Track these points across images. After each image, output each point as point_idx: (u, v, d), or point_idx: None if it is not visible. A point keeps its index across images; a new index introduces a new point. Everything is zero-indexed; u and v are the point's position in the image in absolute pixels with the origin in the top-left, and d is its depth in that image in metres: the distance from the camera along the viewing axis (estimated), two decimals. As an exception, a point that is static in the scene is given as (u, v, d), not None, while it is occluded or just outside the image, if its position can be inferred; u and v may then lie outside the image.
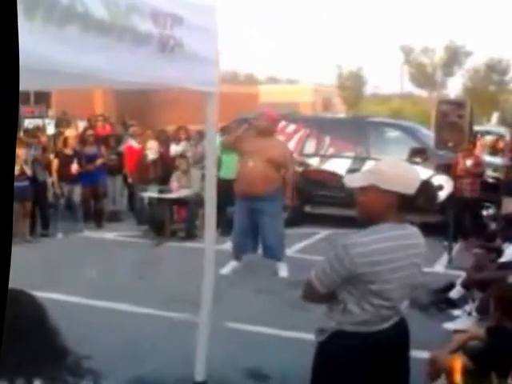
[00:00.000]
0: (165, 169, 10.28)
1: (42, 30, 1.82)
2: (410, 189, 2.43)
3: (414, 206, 2.47)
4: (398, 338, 2.63)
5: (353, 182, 2.61)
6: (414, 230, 2.63)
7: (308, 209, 10.39)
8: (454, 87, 48.69)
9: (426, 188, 2.53)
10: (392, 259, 2.43)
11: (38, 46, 1.80)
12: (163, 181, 9.81)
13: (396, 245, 2.46)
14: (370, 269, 2.39)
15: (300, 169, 9.98)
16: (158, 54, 2.44)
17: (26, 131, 10.55)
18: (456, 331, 4.49)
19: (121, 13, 2.16)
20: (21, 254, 8.27)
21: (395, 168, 2.53)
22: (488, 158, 10.74)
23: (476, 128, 18.03)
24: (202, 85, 2.96)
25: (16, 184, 8.59)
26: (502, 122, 29.00)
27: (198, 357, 3.35)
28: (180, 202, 9.36)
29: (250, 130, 7.14)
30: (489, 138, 15.77)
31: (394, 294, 2.49)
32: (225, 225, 9.21)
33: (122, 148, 11.10)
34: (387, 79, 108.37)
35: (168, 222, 9.26)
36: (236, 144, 7.14)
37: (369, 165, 7.83)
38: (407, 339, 2.72)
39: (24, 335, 1.63)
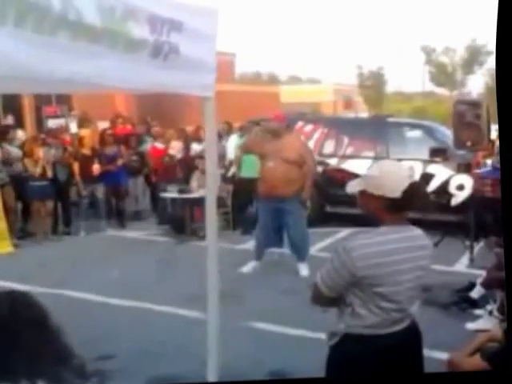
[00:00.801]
0: (186, 168, 10.38)
1: (31, 38, 1.82)
2: (395, 192, 2.42)
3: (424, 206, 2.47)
4: (408, 341, 2.61)
5: (350, 187, 2.64)
6: (419, 232, 2.61)
7: (329, 208, 10.35)
8: (476, 86, 48.08)
9: (414, 190, 2.47)
10: (394, 262, 2.42)
11: (27, 54, 1.80)
12: (185, 180, 9.91)
13: (398, 247, 2.45)
14: (372, 271, 2.39)
15: (320, 168, 9.95)
16: (150, 61, 2.43)
17: (49, 131, 10.61)
18: (477, 331, 4.44)
19: (116, 19, 2.15)
20: (43, 253, 8.39)
21: (382, 172, 2.52)
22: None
23: (497, 126, 17.82)
24: (197, 90, 2.95)
25: (37, 183, 8.72)
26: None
27: (208, 356, 3.35)
28: (200, 202, 9.36)
29: (263, 133, 7.23)
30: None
31: (401, 297, 2.48)
32: (246, 224, 9.26)
33: (144, 148, 11.15)
34: (408, 79, 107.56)
35: (188, 221, 9.29)
36: (253, 148, 7.29)
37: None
38: (419, 342, 2.71)
39: (27, 336, 1.62)
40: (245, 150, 7.76)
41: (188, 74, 2.75)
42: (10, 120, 12.73)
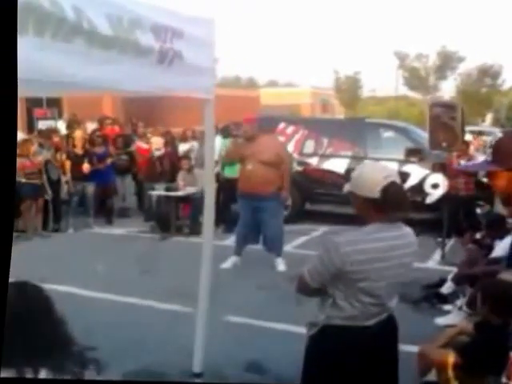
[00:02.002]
0: (172, 168, 10.39)
1: (50, 45, 1.89)
2: (373, 192, 2.44)
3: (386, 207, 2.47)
4: (385, 334, 2.62)
5: (345, 188, 2.65)
6: (407, 230, 2.62)
7: (308, 206, 10.38)
8: (448, 89, 48.52)
9: (393, 191, 2.46)
10: (379, 259, 2.44)
11: (48, 59, 1.87)
12: (171, 179, 9.92)
13: (384, 245, 2.47)
14: (358, 267, 2.41)
15: (300, 167, 9.98)
16: (157, 65, 2.54)
17: (40, 132, 10.54)
18: (447, 326, 4.45)
19: (124, 28, 2.25)
20: (33, 248, 8.32)
21: (361, 173, 2.55)
22: (482, 158, 10.67)
23: (471, 128, 18.04)
24: (199, 92, 3.07)
25: (30, 182, 8.67)
26: (496, 122, 28.99)
27: (195, 349, 3.36)
28: (185, 200, 9.41)
29: (238, 139, 7.40)
30: (483, 138, 15.72)
31: (382, 292, 2.50)
32: (228, 221, 9.26)
33: (132, 148, 11.13)
34: (382, 83, 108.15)
35: (173, 218, 9.31)
36: (233, 157, 7.54)
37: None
38: (395, 336, 2.72)
39: (31, 325, 1.63)
40: (227, 159, 8.07)
41: (191, 78, 2.87)
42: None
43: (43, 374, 1.57)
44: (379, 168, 2.62)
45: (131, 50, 2.34)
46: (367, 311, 2.49)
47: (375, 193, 2.44)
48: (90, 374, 1.68)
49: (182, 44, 2.67)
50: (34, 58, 1.82)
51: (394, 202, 2.47)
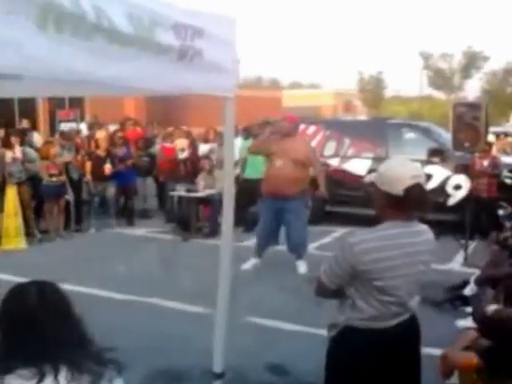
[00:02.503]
0: (194, 168, 10.42)
1: (70, 42, 1.93)
2: (396, 190, 2.41)
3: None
4: (407, 335, 2.59)
5: (368, 177, 2.66)
6: (422, 228, 2.59)
7: (328, 207, 10.33)
8: (472, 89, 47.93)
9: (418, 192, 2.43)
10: (393, 257, 2.42)
11: (67, 58, 1.91)
12: (192, 180, 9.94)
13: (399, 243, 2.44)
14: (373, 266, 2.39)
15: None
16: (177, 63, 2.56)
17: (62, 134, 10.65)
18: (469, 329, 4.38)
19: (144, 27, 2.28)
20: (55, 249, 8.42)
21: (388, 169, 2.52)
22: (505, 159, 10.52)
23: (495, 129, 17.75)
24: (219, 91, 3.06)
25: (52, 183, 8.78)
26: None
27: (215, 349, 3.36)
28: (205, 201, 9.43)
29: (274, 133, 7.21)
30: (508, 140, 15.48)
31: (400, 291, 2.47)
32: (248, 222, 9.25)
33: (153, 150, 11.19)
34: (407, 83, 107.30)
35: (194, 219, 9.33)
36: (262, 148, 7.24)
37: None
38: (418, 336, 2.68)
39: (50, 323, 1.65)
40: (254, 149, 7.68)
41: (211, 76, 2.88)
42: (25, 124, 12.85)
43: (63, 373, 1.59)
44: (408, 166, 2.52)
45: (151, 48, 2.36)
46: (387, 311, 2.47)
47: (398, 190, 2.40)
48: (110, 374, 1.69)
49: (202, 42, 2.68)
50: (53, 54, 1.86)
51: (415, 203, 2.45)
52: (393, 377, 2.52)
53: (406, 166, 2.50)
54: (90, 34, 2.00)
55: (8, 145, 8.82)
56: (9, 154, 8.62)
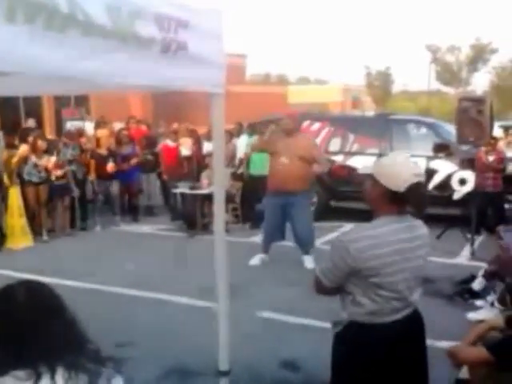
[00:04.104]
0: (198, 166, 10.47)
1: (42, 35, 1.83)
2: (398, 187, 2.39)
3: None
4: (411, 329, 2.58)
5: (362, 168, 2.64)
6: (417, 222, 2.57)
7: (333, 203, 10.35)
8: (480, 84, 47.70)
9: (417, 190, 2.43)
10: (390, 253, 2.40)
11: (39, 51, 1.82)
12: (196, 178, 9.99)
13: (394, 238, 2.42)
14: (370, 263, 2.37)
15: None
16: (160, 57, 2.43)
17: (67, 133, 10.71)
18: (479, 322, 4.39)
19: (123, 19, 2.17)
20: (61, 247, 8.48)
21: (392, 164, 2.48)
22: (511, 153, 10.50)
23: (503, 123, 17.64)
24: (207, 86, 2.94)
25: (57, 182, 8.85)
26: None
27: (220, 346, 3.34)
28: (210, 198, 9.42)
29: (276, 131, 7.25)
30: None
31: (401, 286, 2.45)
32: (254, 219, 9.29)
33: (158, 148, 11.24)
34: (414, 78, 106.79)
35: (199, 216, 9.36)
36: (269, 145, 7.25)
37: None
38: (422, 330, 2.67)
39: (45, 324, 1.63)
40: (260, 147, 7.69)
41: (197, 71, 2.75)
42: (31, 123, 12.83)
43: (60, 373, 1.57)
44: (410, 163, 2.51)
45: (132, 41, 2.24)
46: (389, 306, 2.45)
47: (399, 187, 2.38)
48: (108, 373, 1.66)
49: (187, 35, 2.56)
50: (23, 48, 1.76)
51: (414, 202, 2.45)
52: (399, 371, 2.51)
53: (408, 163, 2.49)
54: (64, 27, 1.90)
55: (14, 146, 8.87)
56: (32, 158, 8.69)
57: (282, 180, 6.96)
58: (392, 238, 2.42)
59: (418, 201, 2.46)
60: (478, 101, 7.79)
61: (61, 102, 16.36)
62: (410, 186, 2.37)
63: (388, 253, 2.39)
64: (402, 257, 2.43)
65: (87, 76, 2.06)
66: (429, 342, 2.78)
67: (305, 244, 7.30)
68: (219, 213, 3.36)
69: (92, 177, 9.84)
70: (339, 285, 2.48)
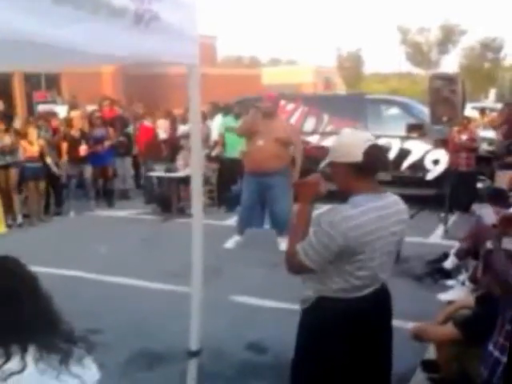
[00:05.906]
0: (173, 148, 10.31)
1: (14, 3, 1.74)
2: (355, 157, 2.39)
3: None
4: (379, 305, 2.57)
5: (322, 163, 2.60)
6: (393, 198, 2.56)
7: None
8: (450, 65, 48.08)
9: (375, 152, 2.44)
10: (373, 231, 2.37)
11: (13, 18, 1.73)
12: (171, 160, 9.84)
13: (376, 216, 2.40)
14: (358, 241, 2.34)
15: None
16: (132, 27, 2.37)
17: (39, 116, 10.46)
18: (450, 302, 4.39)
19: None
20: (35, 232, 8.31)
21: (341, 141, 2.51)
22: (483, 133, 10.57)
23: (474, 105, 17.81)
24: (182, 58, 2.87)
25: (31, 165, 8.62)
26: (500, 98, 28.73)
27: (192, 326, 3.31)
28: (186, 181, 9.31)
29: (256, 113, 7.15)
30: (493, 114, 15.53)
31: (375, 263, 2.44)
32: (230, 201, 9.21)
33: (131, 129, 11.03)
34: (385, 59, 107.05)
35: (175, 199, 9.23)
36: (250, 129, 7.09)
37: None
38: (389, 306, 2.66)
39: (18, 303, 1.59)
40: (242, 131, 7.42)
41: (171, 42, 2.69)
42: (0, 106, 12.48)
43: (31, 352, 1.53)
44: (358, 133, 2.58)
45: (103, 10, 2.17)
46: (359, 283, 2.44)
47: (358, 156, 2.38)
48: (79, 353, 1.63)
49: (160, 5, 2.50)
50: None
51: (377, 163, 2.47)
52: (362, 346, 2.51)
53: (355, 133, 2.55)
54: None
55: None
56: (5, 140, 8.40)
57: (259, 160, 6.88)
58: (374, 216, 2.39)
59: (379, 162, 2.48)
60: (450, 80, 7.73)
61: (32, 83, 15.95)
62: (366, 151, 2.38)
63: (372, 231, 2.37)
64: (379, 234, 2.40)
65: (60, 44, 1.97)
66: (397, 323, 2.76)
67: (280, 225, 7.16)
68: (197, 195, 3.27)
69: (64, 160, 9.55)
70: (322, 266, 2.42)
